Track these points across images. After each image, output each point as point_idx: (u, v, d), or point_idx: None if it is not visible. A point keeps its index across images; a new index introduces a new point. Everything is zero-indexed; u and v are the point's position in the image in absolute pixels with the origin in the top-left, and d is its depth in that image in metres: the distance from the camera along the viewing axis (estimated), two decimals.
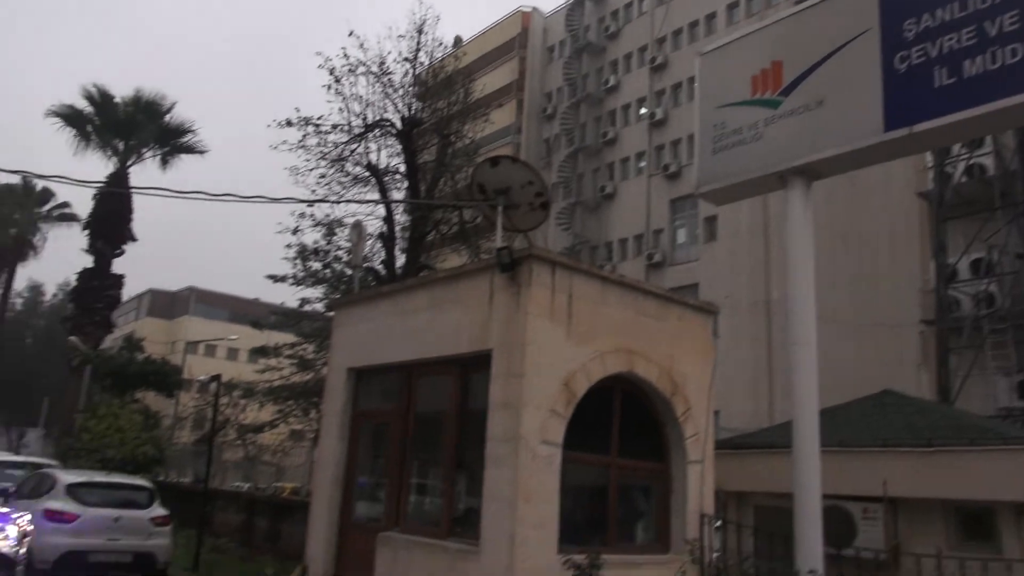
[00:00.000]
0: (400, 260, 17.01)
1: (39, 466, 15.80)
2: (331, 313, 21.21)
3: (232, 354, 60.33)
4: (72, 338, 23.44)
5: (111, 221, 24.44)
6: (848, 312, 21.32)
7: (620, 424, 8.17)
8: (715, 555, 8.28)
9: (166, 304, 72.77)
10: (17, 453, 27.50)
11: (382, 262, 16.49)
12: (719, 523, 9.61)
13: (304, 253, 17.66)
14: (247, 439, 23.71)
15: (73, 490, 11.51)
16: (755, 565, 8.32)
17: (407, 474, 8.85)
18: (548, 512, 7.13)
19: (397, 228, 17.29)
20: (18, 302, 51.59)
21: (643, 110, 33.28)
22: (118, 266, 26.69)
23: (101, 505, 11.52)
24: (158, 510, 12.15)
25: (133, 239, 25.86)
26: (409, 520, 8.62)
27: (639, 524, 8.89)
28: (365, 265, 14.81)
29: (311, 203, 16.44)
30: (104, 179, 24.42)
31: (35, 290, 57.86)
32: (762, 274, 26.39)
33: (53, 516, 10.97)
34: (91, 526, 11.14)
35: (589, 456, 7.94)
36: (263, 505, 16.44)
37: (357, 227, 11.48)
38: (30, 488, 12.45)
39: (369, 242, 15.61)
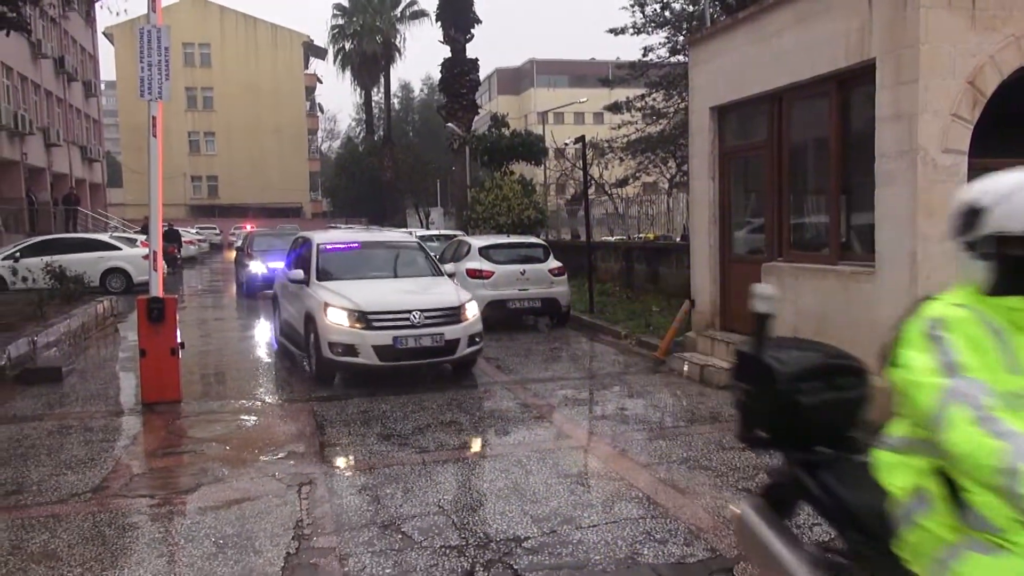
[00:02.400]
0: None
1: (450, 237, 18.67)
2: (675, 58, 20.77)
3: (579, 118, 62.66)
4: (449, 124, 26.29)
5: (457, 8, 25.96)
6: None
7: None
8: None
9: (511, 80, 76.98)
10: (427, 229, 32.73)
11: None
12: None
13: None
14: (612, 194, 25.10)
15: (485, 251, 13.51)
16: None
17: (784, 205, 8.73)
18: None
19: None
20: (395, 102, 58.47)
21: None
22: (470, 51, 28.68)
23: (508, 262, 13.40)
24: (554, 263, 13.77)
25: (478, 22, 27.33)
26: (792, 250, 8.63)
27: None
28: None
29: None
30: None
31: (405, 89, 64.98)
32: None
33: (474, 274, 13.07)
34: (504, 279, 13.10)
35: (1004, 160, 6.97)
36: (639, 251, 17.64)
37: None
38: (451, 253, 14.85)
39: None
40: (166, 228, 31.43)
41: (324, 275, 9.67)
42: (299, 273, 9.83)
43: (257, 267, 18.59)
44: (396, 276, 10.21)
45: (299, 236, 12.43)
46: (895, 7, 6.54)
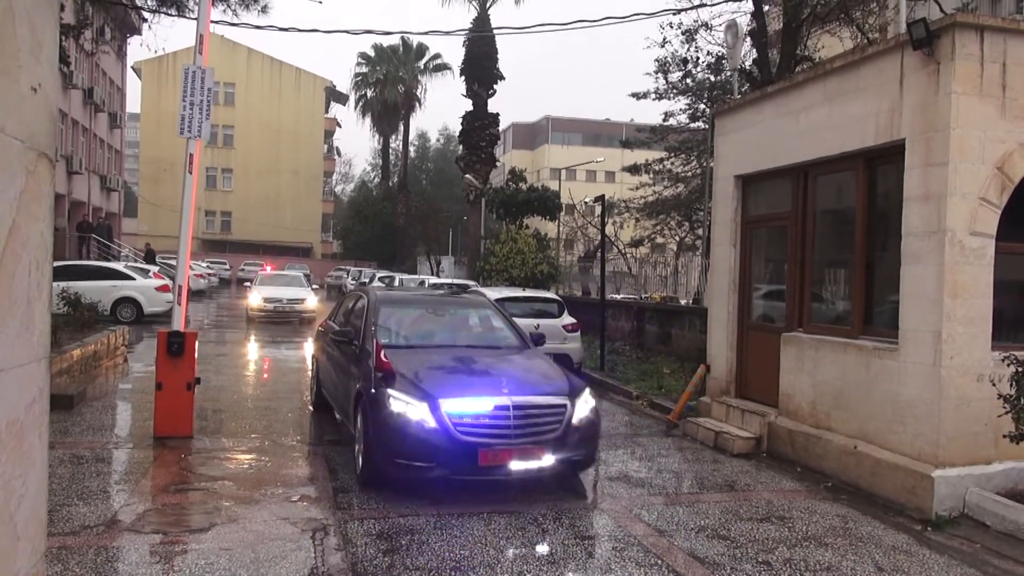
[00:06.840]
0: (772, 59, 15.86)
1: (464, 287, 18.70)
2: (695, 124, 21.13)
3: (591, 176, 63.41)
4: (467, 176, 26.67)
5: (482, 64, 26.54)
6: None
7: None
8: None
9: (526, 135, 78.29)
10: (438, 277, 32.85)
11: (754, 61, 15.58)
12: None
13: (666, 67, 17.39)
14: (627, 254, 25.27)
15: (500, 304, 13.52)
16: None
17: (807, 276, 8.78)
18: (979, 308, 6.61)
19: (770, 20, 15.91)
20: (411, 150, 59.23)
21: None
22: (491, 106, 29.20)
23: (522, 316, 13.40)
24: (568, 319, 13.80)
25: (501, 78, 27.90)
26: (813, 321, 8.65)
27: None
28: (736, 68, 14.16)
29: (655, 15, 15.85)
30: (469, 24, 26.32)
31: (422, 138, 66.01)
32: None
33: None
34: None
35: None
36: (651, 312, 17.65)
37: (732, 28, 10.95)
38: None
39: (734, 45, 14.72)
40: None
41: None
42: None
43: (417, 412, 6.20)
44: None
45: None
46: (926, 92, 6.69)
